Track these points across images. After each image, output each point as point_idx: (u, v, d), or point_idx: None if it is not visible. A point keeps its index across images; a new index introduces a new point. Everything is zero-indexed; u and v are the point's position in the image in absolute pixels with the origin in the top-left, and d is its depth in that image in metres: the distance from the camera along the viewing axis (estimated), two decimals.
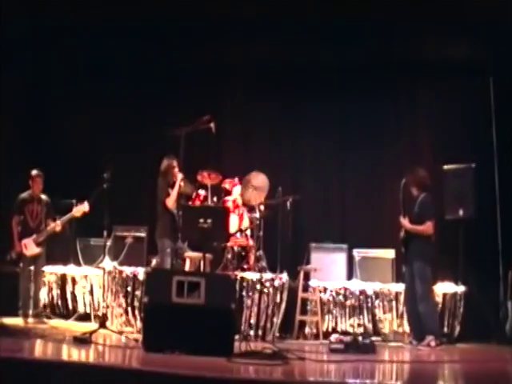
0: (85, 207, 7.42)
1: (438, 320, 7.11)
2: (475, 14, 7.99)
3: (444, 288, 7.56)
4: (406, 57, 9.10)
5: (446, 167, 8.36)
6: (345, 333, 7.21)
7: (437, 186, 8.23)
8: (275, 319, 7.15)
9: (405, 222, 7.05)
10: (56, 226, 7.54)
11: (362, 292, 7.55)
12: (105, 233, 6.91)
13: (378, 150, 9.38)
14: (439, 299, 7.43)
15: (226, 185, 8.36)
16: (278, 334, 7.17)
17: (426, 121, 9.50)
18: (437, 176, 8.36)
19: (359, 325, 7.47)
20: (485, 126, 8.91)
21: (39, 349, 5.70)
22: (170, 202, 7.30)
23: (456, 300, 7.48)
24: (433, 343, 6.68)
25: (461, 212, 8.09)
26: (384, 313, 7.50)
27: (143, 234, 8.37)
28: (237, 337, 6.06)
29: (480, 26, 8.18)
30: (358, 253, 8.26)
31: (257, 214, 8.07)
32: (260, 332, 7.10)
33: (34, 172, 7.69)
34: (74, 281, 7.96)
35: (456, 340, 7.36)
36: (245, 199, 8.25)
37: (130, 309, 7.46)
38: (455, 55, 8.93)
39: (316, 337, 7.38)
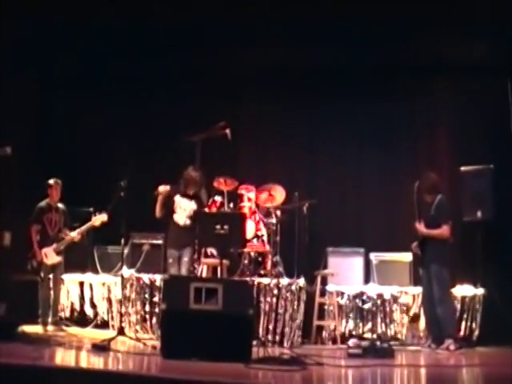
0: (103, 217, 7.48)
1: (456, 323, 7.06)
2: (492, 13, 7.94)
3: (463, 291, 7.50)
4: (422, 58, 9.04)
5: (463, 169, 8.29)
6: (362, 337, 7.19)
7: (455, 188, 8.20)
8: (292, 324, 7.14)
9: (420, 227, 7.01)
10: (75, 236, 7.61)
11: (380, 296, 7.52)
12: (122, 240, 6.96)
13: (395, 152, 9.32)
14: (458, 302, 7.37)
15: (242, 191, 8.37)
16: (295, 340, 7.16)
17: (443, 122, 9.40)
18: (455, 178, 8.32)
19: (377, 329, 7.43)
20: (503, 126, 8.81)
21: (59, 356, 5.75)
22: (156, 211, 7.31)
23: (475, 303, 7.41)
24: (452, 347, 6.64)
25: (479, 214, 8.02)
26: (402, 317, 7.45)
27: (160, 241, 8.36)
28: (254, 342, 6.05)
29: (497, 25, 8.11)
30: (375, 256, 8.20)
31: (273, 220, 8.07)
32: (278, 337, 7.10)
33: (52, 181, 7.76)
34: (92, 288, 8.01)
35: (475, 343, 7.29)
36: (260, 202, 8.27)
37: (147, 316, 7.52)
38: (472, 55, 8.84)
39: (334, 341, 7.36)
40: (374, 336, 7.31)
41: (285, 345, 6.96)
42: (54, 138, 9.69)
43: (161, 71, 9.58)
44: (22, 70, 8.91)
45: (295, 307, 7.16)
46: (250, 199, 8.30)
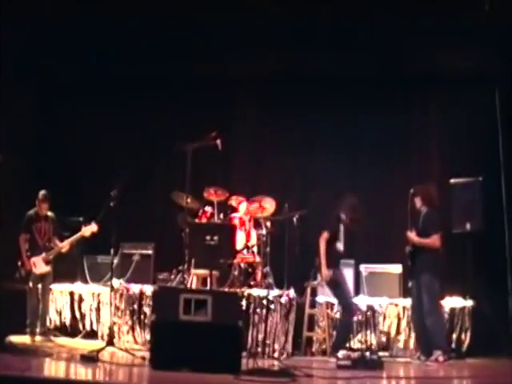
0: (93, 227, 7.45)
1: (445, 335, 7.06)
2: (482, 25, 8.01)
3: (452, 302, 7.52)
4: (415, 70, 9.13)
5: (453, 181, 8.33)
6: (352, 349, 7.18)
7: (444, 200, 8.22)
8: (282, 336, 7.13)
9: (412, 235, 7.02)
10: (64, 246, 7.57)
11: (370, 307, 7.52)
12: (112, 250, 6.92)
13: (387, 164, 9.37)
14: (447, 314, 7.38)
15: (233, 201, 8.37)
16: (285, 351, 7.14)
17: (433, 134, 9.47)
18: (444, 190, 8.35)
19: (366, 341, 7.43)
20: (492, 138, 8.87)
21: (47, 367, 5.71)
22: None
23: (464, 314, 7.43)
24: (441, 358, 6.63)
25: (468, 226, 8.06)
26: (391, 328, 7.45)
27: (150, 251, 8.37)
28: (244, 354, 6.04)
29: (486, 37, 8.18)
30: (364, 268, 8.23)
31: (263, 231, 8.07)
32: (267, 349, 7.08)
33: (41, 195, 7.67)
34: (81, 298, 7.95)
35: (465, 355, 7.29)
36: (251, 213, 8.26)
37: (137, 326, 7.47)
38: (461, 68, 8.93)
39: (323, 353, 7.34)
40: (364, 348, 7.30)
41: (274, 356, 6.94)
42: (45, 148, 9.68)
43: (155, 80, 9.59)
44: (19, 79, 8.88)
45: (285, 318, 7.15)
46: (240, 210, 8.30)
